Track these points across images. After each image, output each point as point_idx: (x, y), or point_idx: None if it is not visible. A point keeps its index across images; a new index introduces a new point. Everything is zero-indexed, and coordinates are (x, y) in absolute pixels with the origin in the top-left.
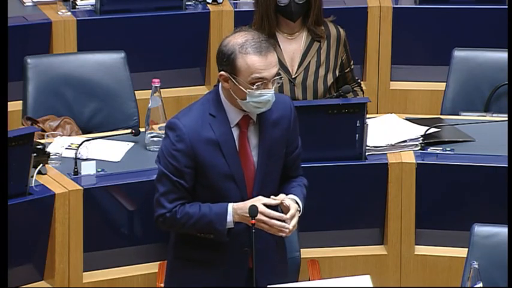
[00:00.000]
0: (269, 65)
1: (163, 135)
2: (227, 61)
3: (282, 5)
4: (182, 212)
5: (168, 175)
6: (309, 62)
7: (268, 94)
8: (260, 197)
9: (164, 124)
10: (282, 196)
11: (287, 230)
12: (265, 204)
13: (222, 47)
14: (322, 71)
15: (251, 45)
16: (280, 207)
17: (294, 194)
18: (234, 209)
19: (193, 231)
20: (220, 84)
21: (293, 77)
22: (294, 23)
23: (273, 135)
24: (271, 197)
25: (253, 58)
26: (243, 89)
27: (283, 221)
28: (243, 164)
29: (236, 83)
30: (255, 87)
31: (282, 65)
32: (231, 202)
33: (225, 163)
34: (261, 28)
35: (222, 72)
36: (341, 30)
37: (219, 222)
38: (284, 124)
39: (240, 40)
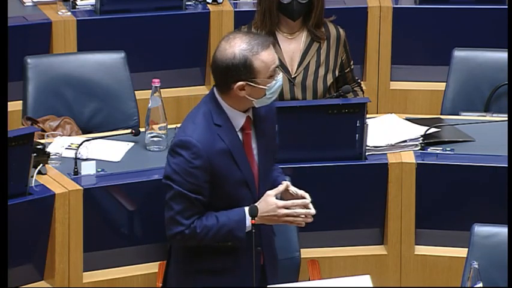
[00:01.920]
0: (275, 53)
1: (162, 137)
2: (245, 69)
3: (285, 2)
4: (200, 225)
5: (185, 193)
6: (309, 61)
7: (281, 78)
8: (268, 192)
9: (164, 124)
10: (285, 183)
11: (312, 213)
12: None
13: (230, 60)
14: (321, 71)
15: (257, 43)
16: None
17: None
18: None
19: (212, 241)
20: (216, 95)
21: (293, 76)
22: (294, 22)
23: (265, 129)
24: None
25: (265, 54)
26: (263, 87)
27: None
28: (251, 166)
29: (255, 85)
30: (274, 79)
31: (281, 64)
32: (244, 206)
33: (237, 169)
34: (262, 26)
35: (240, 83)
36: (341, 30)
37: (239, 229)
38: (270, 117)
39: (244, 45)
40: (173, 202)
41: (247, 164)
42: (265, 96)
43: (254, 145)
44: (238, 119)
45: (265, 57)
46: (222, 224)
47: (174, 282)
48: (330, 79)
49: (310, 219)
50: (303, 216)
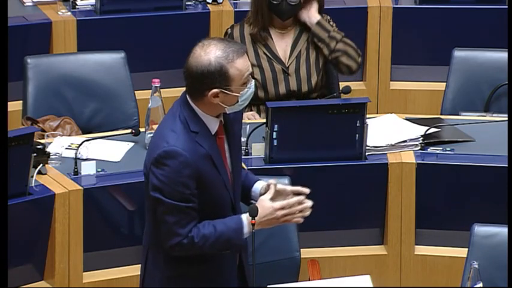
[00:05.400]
0: (248, 60)
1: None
2: (220, 77)
3: (275, 2)
4: (198, 235)
5: (177, 204)
6: (300, 49)
7: (253, 85)
8: (261, 198)
9: None
10: (271, 180)
11: (309, 206)
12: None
13: (206, 67)
14: (313, 57)
15: (232, 51)
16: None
17: (259, 180)
18: (249, 220)
19: (211, 250)
20: (189, 101)
21: (287, 66)
22: (284, 22)
23: (235, 132)
24: (265, 189)
25: (240, 61)
26: (236, 94)
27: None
28: (226, 169)
29: (229, 93)
30: (246, 86)
31: (275, 56)
32: (225, 208)
33: (218, 174)
34: (255, 23)
35: (214, 90)
36: (325, 18)
37: (238, 237)
38: (238, 119)
39: (220, 52)
40: (167, 215)
41: (224, 168)
42: (237, 103)
43: (226, 148)
44: (213, 124)
45: (240, 64)
46: (220, 233)
47: (154, 285)
48: (321, 62)
49: (308, 213)
50: (300, 213)
